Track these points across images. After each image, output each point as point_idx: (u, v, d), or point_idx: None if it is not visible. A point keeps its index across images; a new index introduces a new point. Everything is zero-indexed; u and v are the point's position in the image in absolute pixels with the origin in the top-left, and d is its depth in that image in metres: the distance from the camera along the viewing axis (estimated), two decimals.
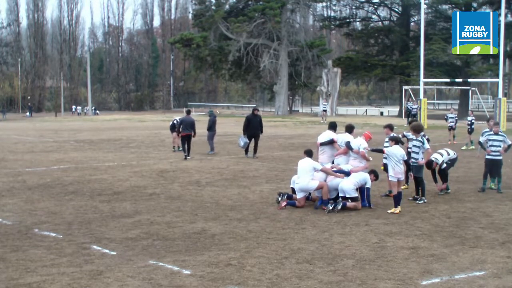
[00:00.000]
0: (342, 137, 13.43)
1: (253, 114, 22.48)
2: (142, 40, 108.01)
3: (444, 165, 14.01)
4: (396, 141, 12.66)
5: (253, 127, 22.03)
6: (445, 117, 29.35)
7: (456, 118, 28.92)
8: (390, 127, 14.00)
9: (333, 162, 13.29)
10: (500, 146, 14.52)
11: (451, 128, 28.34)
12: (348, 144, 13.01)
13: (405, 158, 12.40)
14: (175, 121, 25.13)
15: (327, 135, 13.71)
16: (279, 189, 14.24)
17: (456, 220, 11.33)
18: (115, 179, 16.71)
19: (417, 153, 13.25)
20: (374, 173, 12.78)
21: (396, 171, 12.20)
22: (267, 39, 67.52)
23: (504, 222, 11.18)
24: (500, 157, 14.55)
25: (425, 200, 13.09)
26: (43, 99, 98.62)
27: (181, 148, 23.69)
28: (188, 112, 23.75)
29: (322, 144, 13.63)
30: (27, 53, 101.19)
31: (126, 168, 19.32)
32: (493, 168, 14.52)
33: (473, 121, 26.61)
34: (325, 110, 53.03)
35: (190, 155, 22.17)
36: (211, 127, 24.04)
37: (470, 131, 26.13)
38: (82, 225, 10.90)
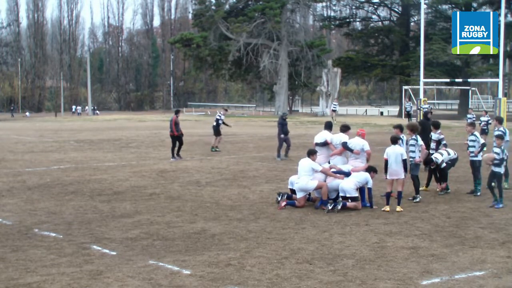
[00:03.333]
0: (337, 137, 13.43)
1: (426, 118, 19.76)
2: (142, 40, 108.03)
3: (444, 164, 14.02)
4: (394, 140, 12.67)
5: (427, 134, 17.65)
6: (467, 117, 29.18)
7: (474, 119, 28.55)
8: (400, 127, 13.88)
9: (329, 163, 13.28)
10: (474, 147, 14.17)
11: None
12: (346, 146, 13.02)
13: (404, 157, 12.43)
14: (217, 116, 25.34)
15: (322, 135, 13.67)
16: (279, 189, 14.22)
17: (456, 220, 11.33)
18: (115, 179, 16.71)
19: (414, 151, 13.30)
20: (373, 170, 12.82)
21: (391, 170, 12.30)
22: (267, 39, 67.48)
23: (504, 222, 11.18)
24: (475, 159, 14.10)
25: (420, 197, 13.14)
26: (43, 99, 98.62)
27: (216, 149, 24.23)
28: (176, 112, 22.64)
29: (317, 145, 13.60)
30: (27, 53, 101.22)
31: (126, 168, 19.31)
32: (473, 169, 14.21)
33: (489, 121, 26.01)
34: (334, 110, 52.96)
35: (175, 157, 21.49)
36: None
37: (487, 132, 25.01)
38: (82, 225, 10.90)
